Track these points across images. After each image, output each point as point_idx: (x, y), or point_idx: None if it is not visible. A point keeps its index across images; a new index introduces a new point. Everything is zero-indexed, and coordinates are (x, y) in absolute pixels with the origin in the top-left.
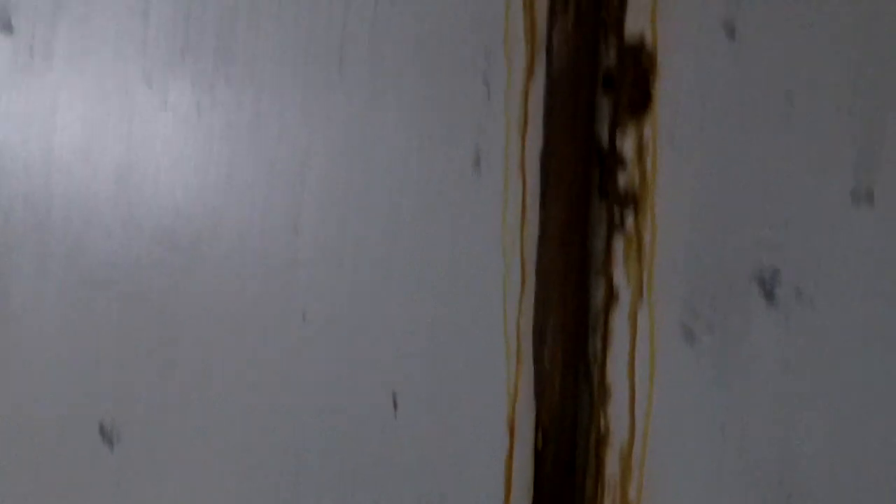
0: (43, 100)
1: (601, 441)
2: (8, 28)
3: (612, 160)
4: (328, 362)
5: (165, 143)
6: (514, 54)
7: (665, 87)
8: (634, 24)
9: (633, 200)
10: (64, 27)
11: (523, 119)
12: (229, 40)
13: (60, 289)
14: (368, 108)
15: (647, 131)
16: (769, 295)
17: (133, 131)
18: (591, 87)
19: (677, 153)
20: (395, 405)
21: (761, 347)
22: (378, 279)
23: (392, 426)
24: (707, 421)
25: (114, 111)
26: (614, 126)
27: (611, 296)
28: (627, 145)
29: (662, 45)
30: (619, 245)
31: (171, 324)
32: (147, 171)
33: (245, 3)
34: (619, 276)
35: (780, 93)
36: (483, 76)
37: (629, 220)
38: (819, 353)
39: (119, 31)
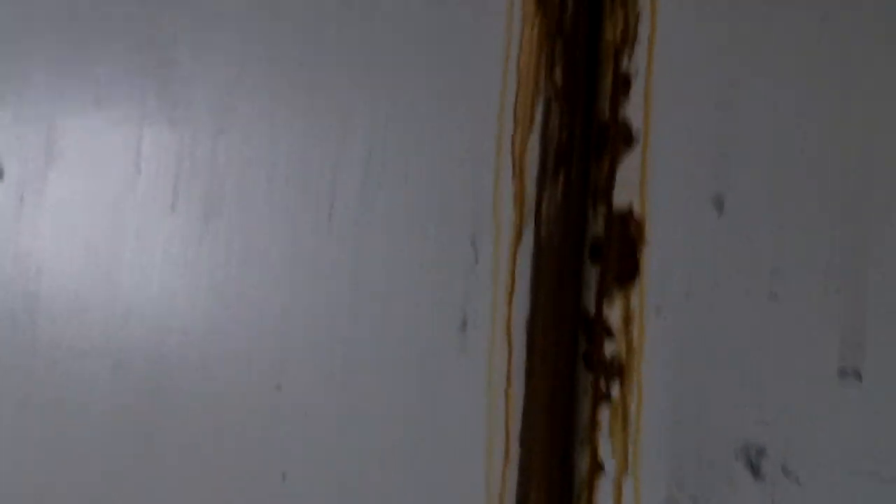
0: (31, 248)
1: None
2: None
3: (598, 329)
4: None
5: (153, 294)
6: (503, 220)
7: (653, 258)
8: (623, 194)
9: (618, 370)
10: (55, 176)
11: (510, 284)
12: (219, 195)
13: (40, 437)
14: (356, 267)
15: (634, 301)
16: (755, 470)
17: (121, 282)
18: (579, 255)
19: (664, 324)
20: None
21: None
22: (360, 441)
23: None
24: None
25: (102, 261)
26: (601, 295)
27: (595, 466)
28: (614, 314)
29: (651, 216)
30: (604, 415)
31: (148, 479)
32: (134, 322)
33: (236, 161)
34: (604, 446)
35: (766, 267)
36: (471, 240)
37: (615, 390)
38: None
39: (110, 183)
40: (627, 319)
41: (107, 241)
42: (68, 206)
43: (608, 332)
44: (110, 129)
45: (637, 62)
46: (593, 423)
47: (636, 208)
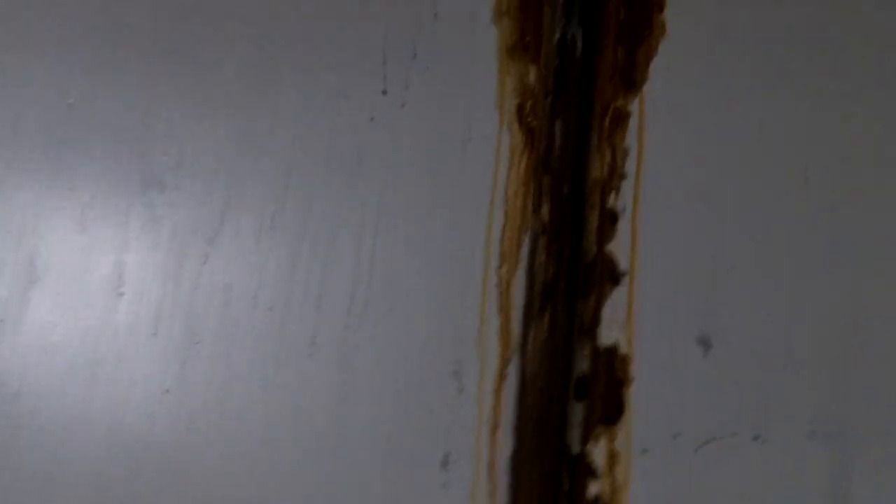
0: (9, 371)
1: None
2: None
3: (582, 469)
4: None
5: (132, 420)
6: (488, 354)
7: (638, 397)
8: (609, 332)
9: None
10: (36, 299)
11: (494, 421)
12: (201, 321)
13: None
14: (338, 398)
15: (620, 440)
16: None
17: (100, 406)
18: (564, 393)
19: (650, 465)
20: None
21: None
22: None
23: None
24: None
25: (81, 385)
26: (586, 433)
27: None
28: (599, 454)
29: (636, 355)
30: None
31: None
32: (112, 446)
33: (220, 287)
34: None
35: (753, 409)
36: (455, 374)
37: None
38: None
39: (92, 306)
40: (612, 459)
41: (86, 364)
42: (48, 330)
43: (592, 472)
44: (93, 252)
45: (624, 199)
46: None
47: (622, 346)
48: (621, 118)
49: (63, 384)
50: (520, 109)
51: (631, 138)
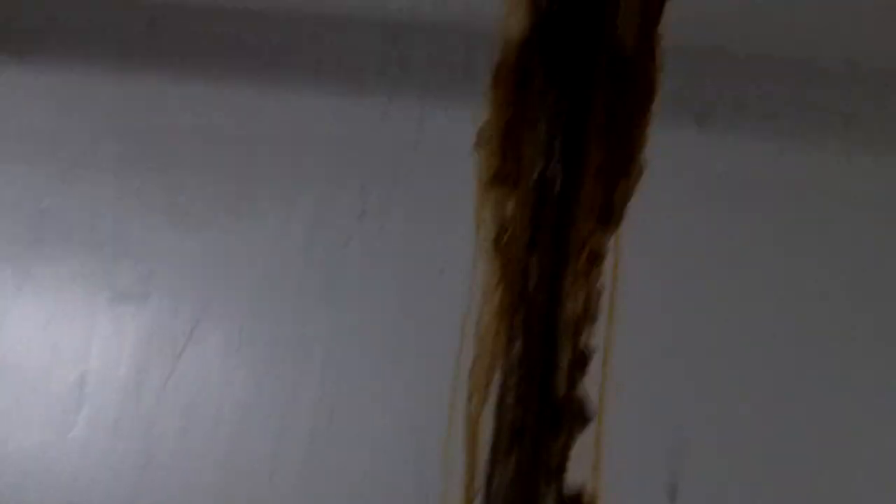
0: None
1: None
2: None
3: None
4: None
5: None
6: (451, 493)
7: None
8: (576, 474)
9: None
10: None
11: None
12: (160, 442)
13: None
14: None
15: None
16: None
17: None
18: None
19: None
20: None
21: None
22: None
23: None
24: None
25: (36, 485)
26: None
27: None
28: None
29: (603, 500)
30: None
31: None
32: None
33: (181, 406)
34: None
35: None
36: None
37: None
38: None
39: (47, 420)
40: None
41: (39, 479)
42: (5, 423)
43: None
44: (55, 362)
45: (596, 339)
46: None
47: (588, 490)
48: (597, 257)
49: (18, 482)
50: (496, 240)
51: (606, 277)
